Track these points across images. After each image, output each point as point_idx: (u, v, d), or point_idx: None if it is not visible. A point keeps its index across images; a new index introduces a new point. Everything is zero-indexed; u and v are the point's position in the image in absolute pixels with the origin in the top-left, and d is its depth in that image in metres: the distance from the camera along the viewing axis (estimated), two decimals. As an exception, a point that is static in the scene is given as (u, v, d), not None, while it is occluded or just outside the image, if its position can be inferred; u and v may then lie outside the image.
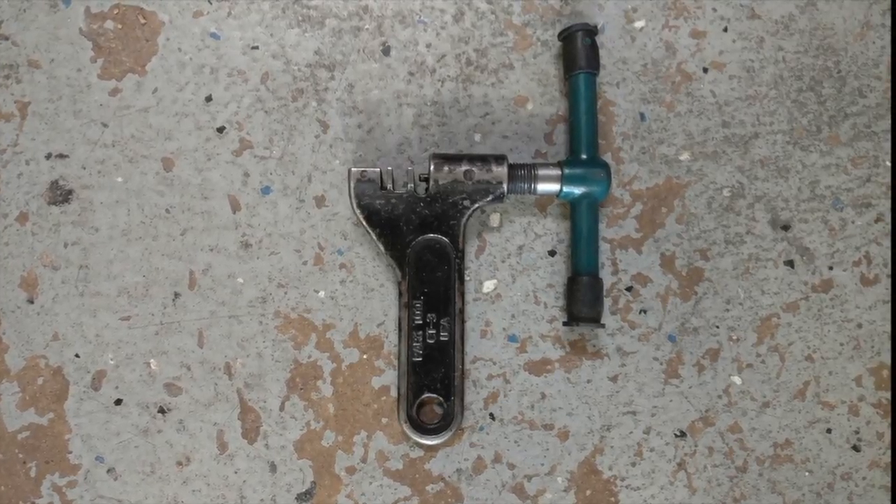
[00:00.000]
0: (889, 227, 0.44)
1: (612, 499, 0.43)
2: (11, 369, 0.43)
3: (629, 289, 0.44)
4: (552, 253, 0.44)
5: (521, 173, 0.41)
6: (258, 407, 0.43)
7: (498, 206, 0.44)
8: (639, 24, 0.45)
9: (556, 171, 0.41)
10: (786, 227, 0.44)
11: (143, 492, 0.43)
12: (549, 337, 0.44)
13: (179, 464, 0.43)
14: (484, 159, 0.41)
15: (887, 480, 0.43)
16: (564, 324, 0.42)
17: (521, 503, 0.43)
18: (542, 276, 0.44)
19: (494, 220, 0.44)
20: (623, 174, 0.44)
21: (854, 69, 0.45)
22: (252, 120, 0.44)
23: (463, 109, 0.44)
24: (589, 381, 0.44)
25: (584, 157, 0.42)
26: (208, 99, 0.44)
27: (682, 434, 0.43)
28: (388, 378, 0.43)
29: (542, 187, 0.41)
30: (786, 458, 0.43)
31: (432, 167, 0.41)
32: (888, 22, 0.45)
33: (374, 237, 0.41)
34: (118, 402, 0.43)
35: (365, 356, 0.44)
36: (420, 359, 0.41)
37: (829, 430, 0.44)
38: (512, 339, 0.44)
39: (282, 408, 0.43)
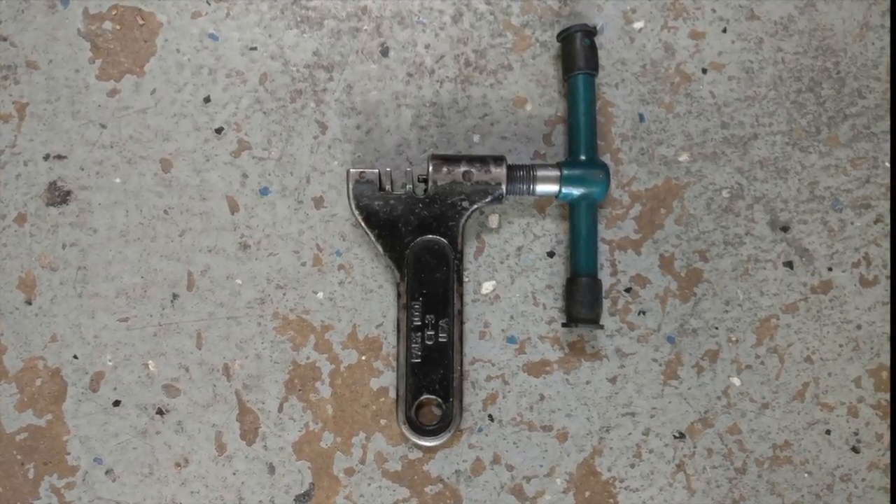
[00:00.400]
0: (888, 228, 0.44)
1: (611, 500, 0.43)
2: (10, 370, 0.43)
3: (628, 290, 0.44)
4: (551, 254, 0.44)
5: (520, 174, 0.41)
6: (257, 408, 0.43)
7: (497, 207, 0.44)
8: (638, 24, 0.45)
9: (554, 173, 0.41)
10: (785, 229, 0.44)
11: (142, 493, 0.43)
12: (547, 338, 0.44)
13: (178, 465, 0.43)
14: (483, 160, 0.41)
15: (886, 482, 0.43)
16: (563, 325, 0.42)
17: (520, 505, 0.43)
18: (540, 277, 0.44)
19: (493, 221, 0.44)
20: (622, 175, 0.44)
21: (853, 70, 0.45)
22: (250, 121, 0.44)
23: (462, 110, 0.44)
24: (588, 383, 0.44)
25: (582, 158, 0.42)
26: (207, 100, 0.44)
27: (682, 435, 0.43)
28: (386, 379, 0.43)
29: (541, 188, 0.41)
30: (785, 460, 0.43)
31: (431, 168, 0.41)
32: (887, 23, 0.45)
33: (373, 238, 0.41)
34: (116, 403, 0.43)
35: (363, 357, 0.43)
36: (419, 360, 0.41)
37: (828, 432, 0.44)
38: (511, 340, 0.44)
39: (280, 409, 0.43)
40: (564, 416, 0.43)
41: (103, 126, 0.44)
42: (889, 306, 0.44)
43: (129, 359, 0.43)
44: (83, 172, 0.44)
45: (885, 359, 0.44)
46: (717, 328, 0.44)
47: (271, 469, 0.43)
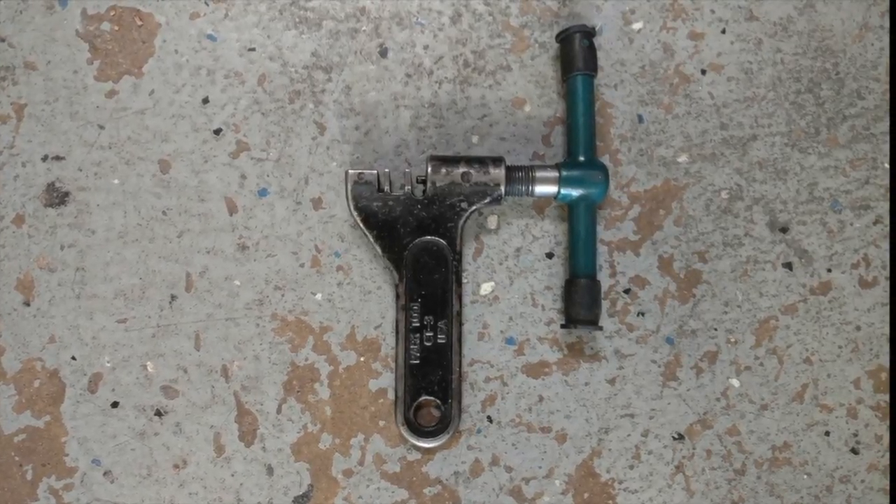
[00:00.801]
0: (888, 229, 0.44)
1: (610, 501, 0.43)
2: (8, 372, 0.43)
3: (627, 291, 0.44)
4: (550, 255, 0.44)
5: (519, 175, 0.41)
6: (255, 409, 0.43)
7: (495, 208, 0.44)
8: (637, 25, 0.45)
9: (553, 174, 0.41)
10: (784, 230, 0.44)
11: (140, 494, 0.43)
12: (546, 339, 0.44)
13: (176, 466, 0.43)
14: (481, 161, 0.41)
15: (886, 483, 0.43)
16: (562, 326, 0.42)
17: (519, 506, 0.43)
18: (539, 278, 0.44)
19: (492, 222, 0.44)
20: (621, 176, 0.44)
21: (852, 71, 0.45)
22: (249, 122, 0.44)
23: (460, 111, 0.44)
24: (587, 384, 0.43)
25: (581, 159, 0.42)
26: (205, 101, 0.44)
27: (681, 437, 0.43)
28: (385, 380, 0.43)
29: (540, 189, 0.41)
30: (784, 461, 0.43)
31: (430, 169, 0.41)
32: (887, 24, 0.45)
33: (372, 239, 0.41)
34: (115, 404, 0.43)
35: (362, 359, 0.43)
36: (417, 361, 0.41)
37: (827, 433, 0.43)
38: (509, 341, 0.44)
39: (279, 410, 0.43)
40: (563, 417, 0.43)
41: (101, 127, 0.44)
42: (888, 307, 0.44)
43: (128, 360, 0.43)
44: (81, 173, 0.44)
45: (885, 360, 0.44)
46: (716, 329, 0.44)
47: (270, 470, 0.43)
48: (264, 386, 0.43)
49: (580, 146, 0.42)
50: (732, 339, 0.44)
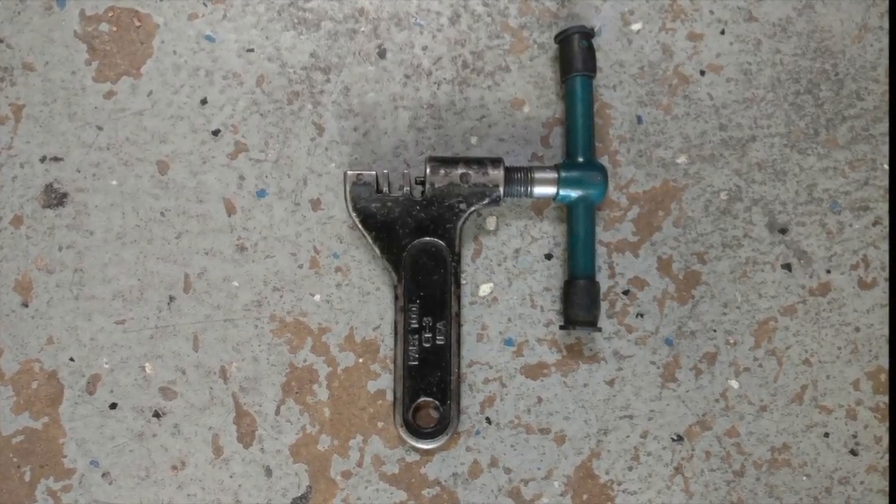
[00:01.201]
0: (887, 230, 0.44)
1: (609, 503, 0.43)
2: (6, 373, 0.43)
3: (626, 292, 0.44)
4: (549, 256, 0.44)
5: (518, 176, 0.41)
6: (253, 411, 0.43)
7: (494, 209, 0.44)
8: (636, 26, 0.44)
9: (552, 175, 0.41)
10: (783, 231, 0.44)
11: (138, 496, 0.43)
12: (545, 341, 0.44)
13: (174, 468, 0.43)
14: (480, 162, 0.41)
15: (885, 485, 0.43)
16: (561, 327, 0.42)
17: (518, 507, 0.43)
18: (538, 279, 0.44)
19: (491, 223, 0.44)
20: (620, 177, 0.44)
21: (852, 72, 0.45)
22: (247, 123, 0.44)
23: (459, 112, 0.44)
24: (585, 385, 0.43)
25: (580, 160, 0.42)
26: (203, 102, 0.44)
27: (680, 438, 0.43)
28: (383, 382, 0.43)
29: (539, 190, 0.41)
30: (783, 463, 0.43)
31: (428, 170, 0.41)
32: (886, 24, 0.45)
33: (370, 240, 0.41)
34: (113, 406, 0.43)
35: (361, 360, 0.43)
36: (416, 362, 0.41)
37: (826, 435, 0.43)
38: (508, 342, 0.44)
39: (277, 412, 0.43)
40: (562, 418, 0.43)
41: (100, 128, 0.44)
42: (887, 308, 0.44)
43: (126, 361, 0.43)
44: (79, 174, 0.44)
45: (884, 361, 0.44)
46: (715, 330, 0.44)
47: (268, 472, 0.43)
48: (263, 387, 0.43)
49: (579, 147, 0.42)
50: (731, 341, 0.44)
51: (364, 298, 0.43)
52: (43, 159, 0.44)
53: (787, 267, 0.44)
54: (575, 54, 0.42)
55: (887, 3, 0.45)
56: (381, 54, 0.44)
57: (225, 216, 0.44)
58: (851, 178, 0.44)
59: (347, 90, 0.44)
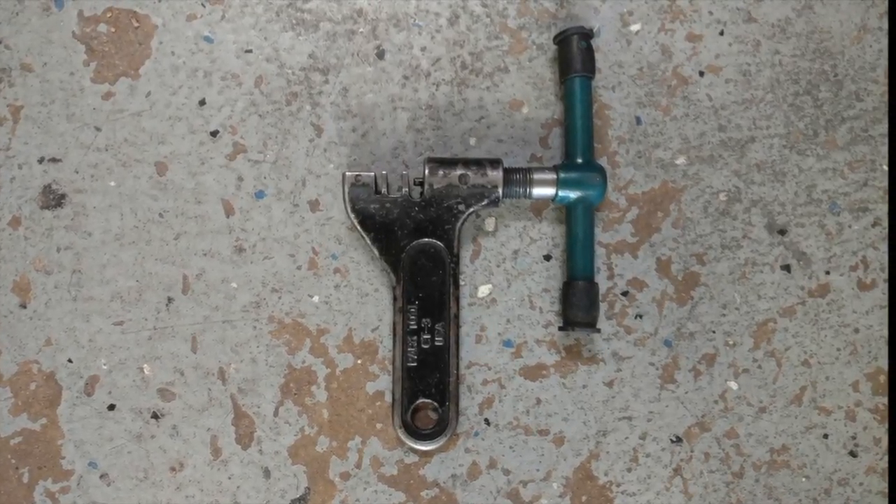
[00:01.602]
0: (886, 231, 0.44)
1: (608, 505, 0.43)
2: (4, 374, 0.43)
3: (625, 293, 0.44)
4: (547, 257, 0.44)
5: (517, 177, 0.41)
6: (252, 412, 0.43)
7: (493, 210, 0.44)
8: (634, 27, 0.44)
9: (551, 176, 0.41)
10: (782, 232, 0.44)
11: (137, 498, 0.43)
12: (544, 342, 0.44)
13: (173, 469, 0.43)
14: (479, 163, 0.41)
15: (884, 486, 0.43)
16: (560, 329, 0.42)
17: (517, 509, 0.43)
18: (537, 280, 0.44)
19: (489, 224, 0.44)
20: (619, 178, 0.44)
21: (851, 73, 0.44)
22: (246, 124, 0.44)
23: (458, 113, 0.44)
24: (584, 387, 0.43)
25: (579, 161, 0.41)
26: (202, 103, 0.44)
27: (678, 439, 0.43)
28: (382, 383, 0.43)
29: (538, 191, 0.41)
30: (782, 464, 0.43)
31: (427, 171, 0.41)
32: (885, 25, 0.45)
33: (369, 242, 0.41)
34: (111, 407, 0.43)
35: (359, 361, 0.43)
36: (415, 364, 0.41)
37: (825, 436, 0.43)
38: (507, 344, 0.43)
39: (276, 413, 0.43)
40: (561, 420, 0.43)
41: (98, 129, 0.44)
42: (887, 310, 0.44)
43: (124, 363, 0.43)
44: (78, 175, 0.43)
45: (883, 362, 0.44)
46: (714, 332, 0.44)
47: (267, 473, 0.43)
48: (261, 388, 0.43)
49: (578, 148, 0.42)
50: (731, 342, 0.44)
51: (363, 300, 0.43)
52: (41, 160, 0.43)
53: (787, 268, 0.44)
54: (574, 55, 0.41)
55: (886, 3, 0.45)
56: (380, 55, 0.44)
57: (223, 217, 0.43)
58: (851, 180, 0.44)
59: (346, 91, 0.44)
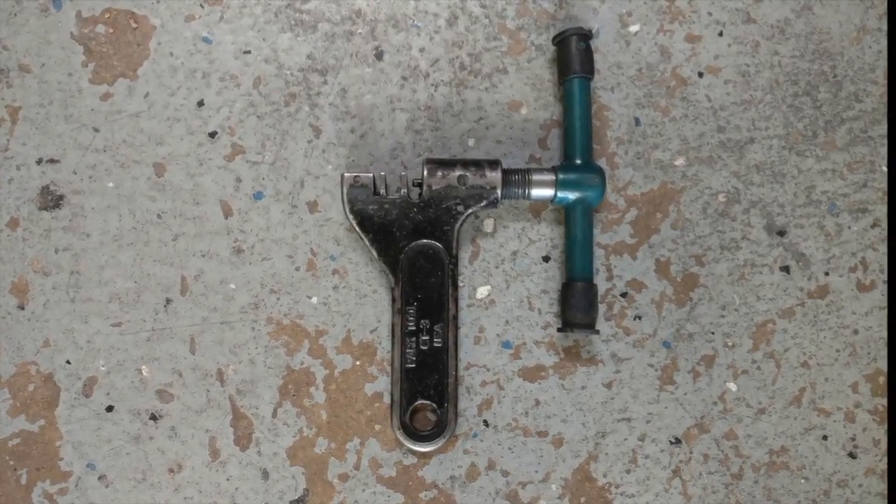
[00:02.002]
0: (885, 232, 0.44)
1: (607, 506, 0.43)
2: (2, 376, 0.43)
3: (624, 295, 0.44)
4: (546, 258, 0.44)
5: (515, 178, 0.41)
6: (250, 413, 0.43)
7: (492, 211, 0.44)
8: (633, 28, 0.44)
9: (550, 177, 0.41)
10: (781, 233, 0.44)
11: (135, 499, 0.42)
12: (543, 343, 0.43)
13: (171, 471, 0.43)
14: (478, 164, 0.41)
15: (883, 488, 0.43)
16: (559, 330, 0.42)
17: (515, 510, 0.43)
18: (536, 281, 0.44)
19: (488, 225, 0.44)
20: (618, 179, 0.44)
21: (850, 74, 0.44)
22: (244, 125, 0.44)
23: (456, 114, 0.44)
24: (583, 388, 0.43)
25: (578, 162, 0.41)
26: (200, 104, 0.44)
27: (678, 441, 0.43)
28: (381, 384, 0.43)
29: (537, 192, 0.41)
30: (781, 466, 0.43)
31: (426, 172, 0.41)
32: (884, 26, 0.45)
33: (367, 243, 0.41)
34: (109, 408, 0.43)
35: (358, 362, 0.43)
36: (413, 365, 0.41)
37: (825, 437, 0.43)
38: (506, 345, 0.43)
39: (274, 414, 0.43)
40: (560, 421, 0.43)
41: (96, 130, 0.44)
42: (886, 311, 0.44)
43: (123, 364, 0.43)
44: (76, 176, 0.43)
45: (882, 364, 0.44)
46: (713, 333, 0.44)
47: (265, 475, 0.43)
48: (260, 390, 0.43)
49: (577, 149, 0.42)
50: (730, 343, 0.44)
51: (361, 301, 0.43)
52: (39, 161, 0.43)
53: (786, 269, 0.44)
54: (573, 56, 0.41)
55: (886, 4, 0.45)
56: (379, 56, 0.44)
57: (222, 218, 0.43)
58: (850, 181, 0.44)
59: (344, 92, 0.44)
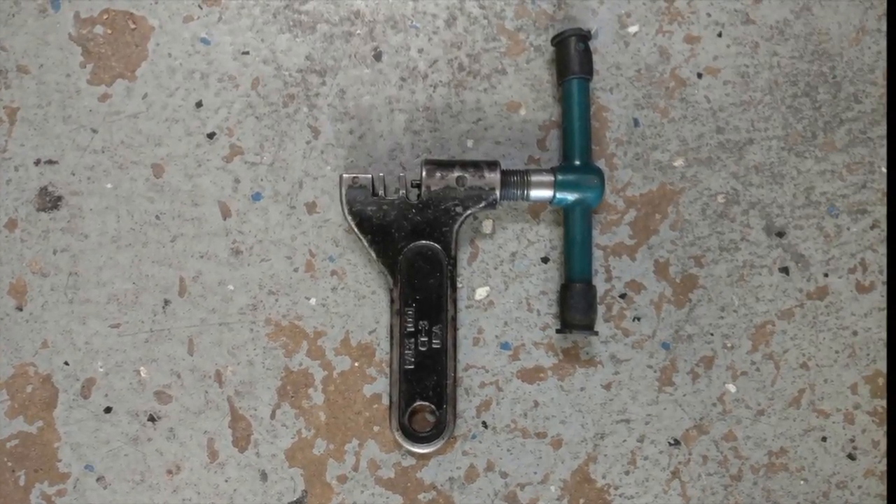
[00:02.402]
0: (884, 233, 0.44)
1: (606, 508, 0.43)
2: (0, 377, 0.43)
3: (623, 296, 0.44)
4: (545, 260, 0.44)
5: (514, 179, 0.41)
6: (249, 415, 0.43)
7: (490, 212, 0.44)
8: (632, 29, 0.44)
9: (549, 178, 0.41)
10: (780, 234, 0.44)
11: (133, 500, 0.42)
12: (542, 344, 0.43)
13: (169, 472, 0.43)
14: (476, 165, 0.41)
15: (883, 489, 0.43)
16: (557, 331, 0.42)
17: (514, 512, 0.43)
18: (535, 283, 0.44)
19: (487, 226, 0.44)
20: (617, 180, 0.44)
21: (849, 74, 0.44)
22: (243, 126, 0.44)
23: (455, 115, 0.44)
24: (582, 389, 0.43)
25: (577, 163, 0.41)
26: (198, 104, 0.44)
27: (676, 442, 0.43)
28: (379, 386, 0.43)
29: (535, 194, 0.41)
30: (781, 467, 0.43)
31: (424, 173, 0.41)
32: (884, 27, 0.44)
33: (366, 244, 0.41)
34: (108, 410, 0.43)
35: (356, 364, 0.43)
36: (412, 366, 0.41)
37: (824, 439, 0.43)
38: (504, 346, 0.43)
39: (273, 416, 0.43)
40: (559, 422, 0.43)
41: (94, 131, 0.44)
42: (885, 312, 0.44)
43: (121, 365, 0.43)
44: (74, 178, 0.43)
45: (882, 365, 0.44)
46: (712, 334, 0.43)
47: (263, 476, 0.43)
48: (258, 391, 0.43)
49: (576, 150, 0.42)
50: (729, 344, 0.43)
51: (360, 302, 0.43)
52: (37, 162, 0.43)
53: (785, 270, 0.44)
54: (571, 57, 0.41)
55: (885, 5, 0.45)
56: (377, 57, 0.44)
57: (220, 219, 0.43)
58: (849, 182, 0.44)
59: (343, 93, 0.44)
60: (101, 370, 0.43)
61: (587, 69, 0.42)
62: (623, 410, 0.43)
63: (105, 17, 0.44)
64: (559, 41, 0.42)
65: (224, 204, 0.43)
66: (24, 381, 0.43)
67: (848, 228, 0.44)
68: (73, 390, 0.43)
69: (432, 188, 0.41)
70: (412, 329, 0.41)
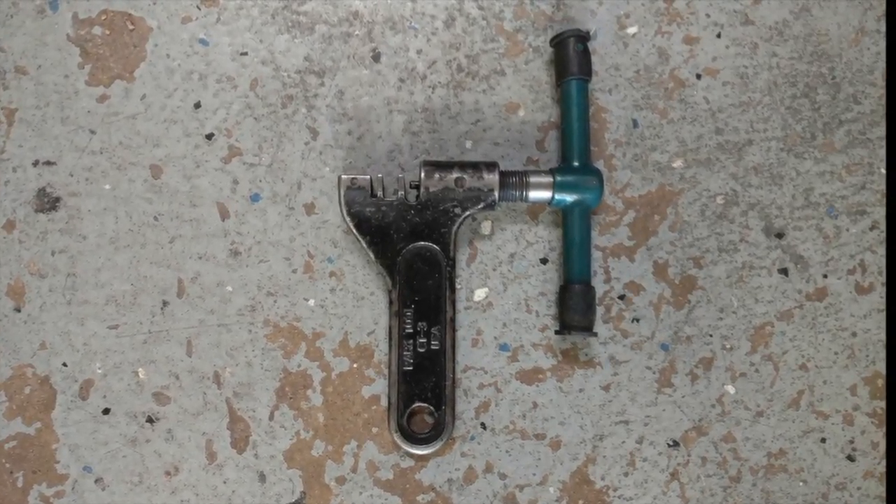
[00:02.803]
0: (884, 234, 0.44)
1: (605, 509, 0.43)
2: (-2, 378, 0.43)
3: (622, 297, 0.44)
4: (544, 261, 0.44)
5: (513, 181, 0.41)
6: (247, 416, 0.43)
7: (489, 213, 0.44)
8: (631, 30, 0.44)
9: (547, 179, 0.41)
10: (780, 235, 0.44)
11: (132, 502, 0.42)
12: (540, 346, 0.43)
13: (168, 473, 0.43)
14: (475, 166, 0.41)
15: (882, 490, 0.43)
16: (556, 332, 0.42)
17: (513, 513, 0.43)
18: (533, 284, 0.44)
19: (486, 227, 0.44)
20: (615, 181, 0.44)
21: (849, 75, 0.44)
22: (241, 127, 0.44)
23: (454, 116, 0.44)
24: (581, 391, 0.43)
25: (576, 164, 0.41)
26: (197, 105, 0.44)
27: (675, 444, 0.43)
28: (378, 387, 0.43)
29: (534, 195, 0.41)
30: (780, 468, 0.43)
31: (423, 174, 0.41)
32: (883, 28, 0.44)
33: (365, 245, 0.41)
34: (106, 411, 0.43)
35: (355, 365, 0.43)
36: (411, 368, 0.41)
37: (823, 440, 0.43)
38: (503, 347, 0.43)
39: (271, 417, 0.43)
40: (557, 424, 0.43)
41: (93, 132, 0.43)
42: (885, 313, 0.44)
43: (119, 366, 0.43)
44: (72, 179, 0.43)
45: (881, 366, 0.43)
46: (711, 336, 0.43)
47: (262, 477, 0.43)
48: (256, 392, 0.43)
49: (574, 151, 0.41)
50: (728, 346, 0.43)
51: (358, 303, 0.43)
52: (35, 163, 0.43)
53: (784, 271, 0.44)
54: (570, 58, 0.41)
55: (884, 6, 0.45)
56: (376, 58, 0.44)
57: (218, 220, 0.43)
58: (848, 183, 0.44)
59: (342, 94, 0.44)
60: (100, 371, 0.43)
61: (586, 70, 0.42)
62: (622, 412, 0.43)
63: (103, 17, 0.44)
64: (558, 42, 0.42)
65: (222, 205, 0.43)
66: (23, 383, 0.43)
67: (847, 229, 0.44)
68: (71, 391, 0.43)
69: (431, 189, 0.41)
70: (411, 330, 0.41)
